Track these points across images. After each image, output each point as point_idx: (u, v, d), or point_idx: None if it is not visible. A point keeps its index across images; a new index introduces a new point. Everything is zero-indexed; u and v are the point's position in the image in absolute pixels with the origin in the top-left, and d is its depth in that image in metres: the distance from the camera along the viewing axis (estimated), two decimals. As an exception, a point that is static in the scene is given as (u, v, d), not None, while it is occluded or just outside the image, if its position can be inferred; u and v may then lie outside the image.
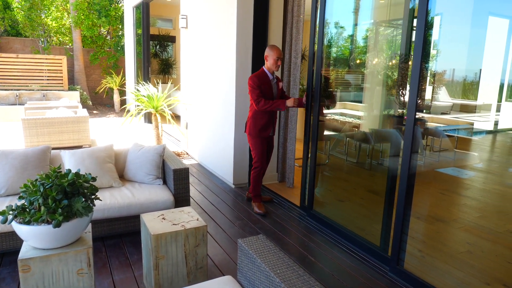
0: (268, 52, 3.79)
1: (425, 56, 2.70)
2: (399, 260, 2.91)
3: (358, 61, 6.71)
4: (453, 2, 2.73)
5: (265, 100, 3.71)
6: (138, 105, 6.00)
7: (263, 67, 3.84)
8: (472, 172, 3.07)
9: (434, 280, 2.71)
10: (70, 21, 12.10)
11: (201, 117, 5.68)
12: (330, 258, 3.14)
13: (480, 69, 2.67)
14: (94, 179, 2.08)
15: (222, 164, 5.02)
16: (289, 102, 3.77)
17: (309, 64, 3.82)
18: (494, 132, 2.76)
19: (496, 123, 2.71)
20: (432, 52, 2.88)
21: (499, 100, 2.57)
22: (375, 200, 4.55)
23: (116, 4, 12.17)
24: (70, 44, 12.81)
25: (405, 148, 2.78)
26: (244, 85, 4.51)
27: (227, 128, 4.79)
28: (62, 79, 10.54)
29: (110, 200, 3.12)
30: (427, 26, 2.59)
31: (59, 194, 1.89)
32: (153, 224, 2.39)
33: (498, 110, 2.60)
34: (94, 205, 2.07)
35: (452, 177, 3.15)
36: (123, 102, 11.59)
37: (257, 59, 4.51)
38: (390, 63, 6.68)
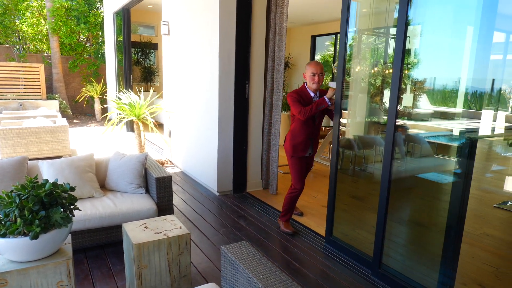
0: (306, 68, 3.53)
1: (405, 64, 2.76)
2: (381, 264, 2.94)
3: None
4: (433, 12, 2.80)
5: (305, 108, 3.38)
6: (119, 114, 5.92)
7: (305, 84, 3.59)
8: (451, 177, 3.13)
9: (414, 282, 2.74)
10: (47, 28, 11.85)
11: (185, 125, 5.64)
12: (314, 263, 3.14)
13: (459, 78, 2.73)
14: (73, 188, 2.03)
15: (206, 172, 4.98)
16: (329, 93, 3.40)
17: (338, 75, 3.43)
18: (473, 139, 2.83)
19: (474, 130, 2.77)
20: (414, 60, 2.95)
21: (478, 108, 2.63)
22: (358, 206, 4.59)
23: (95, 10, 12.02)
24: (47, 52, 12.55)
25: (386, 153, 2.83)
26: (227, 92, 4.51)
27: (211, 136, 4.76)
28: (39, 88, 10.31)
29: (91, 211, 3.05)
30: (407, 35, 2.64)
31: (36, 205, 1.84)
32: (135, 233, 2.35)
33: (476, 117, 2.67)
34: (73, 215, 2.01)
35: (432, 183, 3.21)
36: (104, 111, 11.42)
37: (240, 66, 4.52)
38: (373, 71, 6.80)
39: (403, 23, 2.61)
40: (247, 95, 4.63)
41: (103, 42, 12.37)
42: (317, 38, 11.47)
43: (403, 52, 2.64)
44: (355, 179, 4.95)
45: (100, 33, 12.29)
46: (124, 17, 8.71)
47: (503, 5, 2.41)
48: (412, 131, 3.21)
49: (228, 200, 4.56)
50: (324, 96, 3.38)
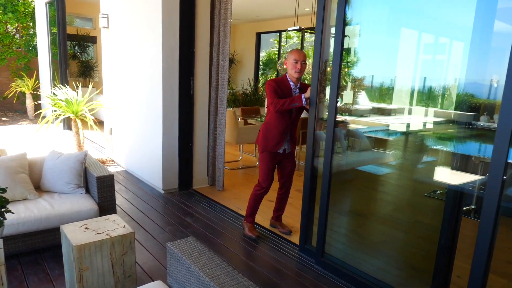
0: (287, 57, 3.25)
1: (345, 62, 2.88)
2: (324, 253, 3.08)
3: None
4: (370, 13, 2.94)
5: (278, 100, 3.12)
6: (55, 111, 5.58)
7: (286, 74, 3.31)
8: (388, 169, 3.34)
9: (355, 269, 2.90)
10: (-33, 16, 10.74)
11: (127, 121, 5.46)
12: (260, 256, 3.22)
13: (395, 76, 2.91)
14: (3, 190, 1.90)
15: (151, 170, 4.87)
16: (309, 92, 3.08)
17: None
18: (407, 133, 3.04)
19: (408, 125, 2.97)
20: (353, 59, 3.09)
21: (411, 104, 2.83)
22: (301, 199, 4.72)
23: (25, -1, 11.11)
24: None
25: (326, 148, 2.94)
26: (172, 88, 4.43)
27: (155, 133, 4.65)
28: (-40, 82, 9.35)
29: (25, 214, 2.86)
30: (345, 34, 2.75)
31: (-38, 208, 1.70)
32: (75, 234, 2.25)
33: (410, 113, 2.86)
34: (5, 218, 1.89)
35: (370, 175, 3.40)
36: (38, 108, 10.65)
37: (185, 62, 4.46)
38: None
39: (341, 22, 2.71)
40: (192, 91, 4.59)
41: (34, 33, 11.47)
42: (262, 35, 11.62)
43: (341, 50, 2.74)
44: (299, 173, 5.12)
45: (31, 23, 11.40)
46: (58, 7, 8.18)
47: (433, 8, 2.61)
48: (352, 126, 3.38)
49: (174, 198, 4.50)
50: (302, 95, 3.09)
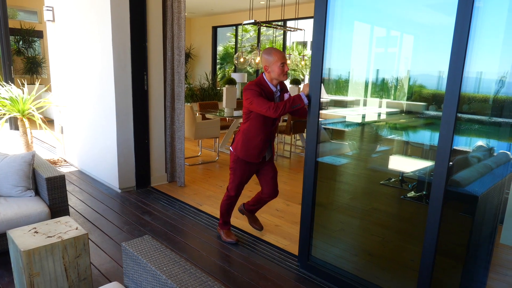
0: (268, 60, 2.88)
1: (302, 55, 2.89)
2: (309, 255, 2.95)
3: (242, 60, 6.95)
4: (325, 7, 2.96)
5: (276, 103, 2.77)
6: (-1, 109, 5.23)
7: (263, 75, 2.97)
8: (345, 159, 3.44)
9: (319, 257, 2.93)
10: None
11: (79, 119, 5.22)
12: (241, 262, 3.08)
13: (351, 68, 2.97)
14: None
15: (106, 169, 4.70)
16: (305, 89, 2.78)
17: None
18: (362, 124, 3.12)
19: (363, 116, 3.05)
20: (309, 52, 3.11)
21: (366, 96, 2.90)
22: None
23: (-38, -8, 10.30)
24: None
25: (309, 141, 2.83)
26: (125, 83, 4.28)
27: (109, 130, 4.49)
28: None
29: (-33, 220, 2.67)
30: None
31: None
32: (24, 239, 2.13)
33: (365, 104, 2.94)
34: None
35: (328, 165, 3.48)
36: (-21, 107, 9.95)
37: (137, 57, 4.32)
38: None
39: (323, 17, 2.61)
40: (146, 86, 4.46)
41: (-27, 27, 10.68)
42: (218, 29, 11.52)
43: (323, 45, 2.64)
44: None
45: (-31, 17, 10.59)
46: (-2, -1, 7.65)
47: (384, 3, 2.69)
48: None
49: (131, 197, 4.37)
50: (301, 93, 2.76)
